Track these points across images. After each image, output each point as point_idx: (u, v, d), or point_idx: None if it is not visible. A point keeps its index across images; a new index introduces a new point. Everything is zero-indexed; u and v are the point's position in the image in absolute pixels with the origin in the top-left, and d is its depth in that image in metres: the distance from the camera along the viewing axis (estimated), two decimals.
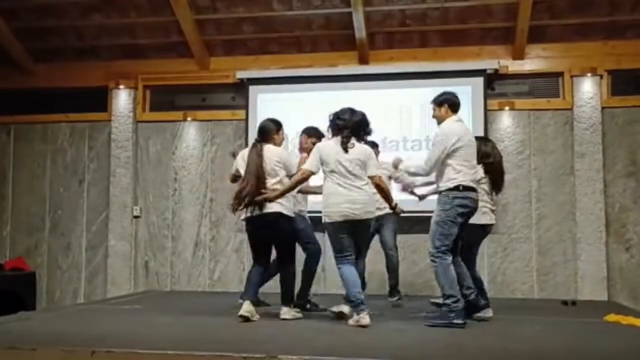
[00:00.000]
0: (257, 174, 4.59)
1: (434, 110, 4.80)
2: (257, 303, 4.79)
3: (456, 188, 4.49)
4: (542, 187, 6.94)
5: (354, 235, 4.45)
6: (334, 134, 4.56)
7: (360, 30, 6.93)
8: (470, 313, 4.64)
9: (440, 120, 4.76)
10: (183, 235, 7.55)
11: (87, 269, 7.72)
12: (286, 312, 4.67)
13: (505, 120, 7.10)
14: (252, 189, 4.56)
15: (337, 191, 4.41)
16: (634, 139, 6.85)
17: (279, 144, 4.86)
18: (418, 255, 6.94)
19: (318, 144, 4.69)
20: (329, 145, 4.53)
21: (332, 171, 4.45)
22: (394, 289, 5.84)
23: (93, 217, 7.75)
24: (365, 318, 4.26)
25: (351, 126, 4.50)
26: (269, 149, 4.70)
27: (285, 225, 4.65)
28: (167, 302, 6.17)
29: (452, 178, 4.51)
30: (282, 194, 4.57)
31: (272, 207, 4.56)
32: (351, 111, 4.59)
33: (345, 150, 4.44)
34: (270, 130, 4.82)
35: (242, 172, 4.72)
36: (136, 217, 7.61)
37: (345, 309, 4.59)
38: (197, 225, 7.53)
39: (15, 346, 3.38)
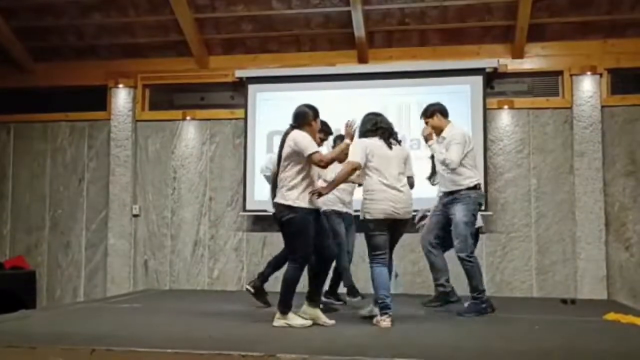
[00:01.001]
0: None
1: (427, 122, 5.01)
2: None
3: (475, 187, 4.82)
4: (541, 186, 6.94)
5: (391, 233, 4.43)
6: (371, 134, 4.52)
7: (359, 29, 6.93)
8: (443, 304, 5.11)
9: (438, 129, 4.97)
10: (182, 234, 7.55)
11: (87, 267, 7.72)
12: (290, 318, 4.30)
13: (505, 119, 7.10)
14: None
15: (381, 188, 4.38)
16: (634, 137, 6.85)
17: (314, 133, 4.48)
18: (416, 254, 6.93)
19: (363, 140, 4.52)
20: (374, 141, 4.48)
21: (376, 168, 4.42)
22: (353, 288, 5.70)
23: (93, 215, 7.75)
24: (385, 321, 4.26)
25: (386, 127, 4.58)
26: (290, 136, 4.36)
27: (283, 216, 4.31)
28: (167, 301, 6.17)
29: (470, 176, 4.83)
30: (333, 187, 4.49)
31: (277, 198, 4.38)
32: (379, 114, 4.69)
33: (390, 147, 4.48)
34: (307, 116, 4.43)
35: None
36: (135, 215, 7.62)
37: (375, 310, 4.47)
38: (197, 224, 7.53)
39: (15, 345, 3.39)
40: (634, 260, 6.73)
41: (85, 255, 7.74)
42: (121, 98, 7.71)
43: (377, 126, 4.54)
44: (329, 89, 7.19)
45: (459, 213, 4.76)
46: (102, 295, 7.33)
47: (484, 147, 6.83)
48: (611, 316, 4.76)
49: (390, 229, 4.41)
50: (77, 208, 7.79)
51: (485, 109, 6.91)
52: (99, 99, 7.82)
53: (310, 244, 4.32)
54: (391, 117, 7.04)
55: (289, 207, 4.27)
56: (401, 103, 7.10)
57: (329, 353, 3.17)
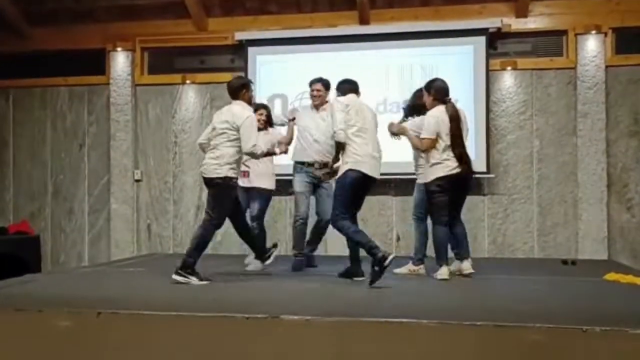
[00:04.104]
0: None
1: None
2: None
3: None
4: (543, 148, 6.91)
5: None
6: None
7: None
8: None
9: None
10: (185, 199, 7.57)
11: (91, 232, 7.77)
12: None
13: (508, 81, 7.02)
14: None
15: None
16: (638, 98, 6.78)
17: None
18: None
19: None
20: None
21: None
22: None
23: (94, 181, 7.76)
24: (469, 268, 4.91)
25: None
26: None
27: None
28: (170, 265, 6.18)
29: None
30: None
31: None
32: None
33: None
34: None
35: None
36: (137, 180, 7.62)
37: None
38: (199, 189, 7.52)
39: (21, 308, 3.43)
40: (635, 221, 6.75)
41: (89, 221, 7.77)
42: (120, 62, 7.62)
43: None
44: (329, 51, 7.11)
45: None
46: (106, 260, 7.40)
47: (487, 109, 6.78)
48: (611, 276, 4.80)
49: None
50: (79, 174, 7.79)
51: (487, 70, 6.83)
52: (97, 63, 7.72)
53: None
54: (393, 79, 7.04)
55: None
56: (403, 64, 7.02)
57: (331, 314, 3.20)
